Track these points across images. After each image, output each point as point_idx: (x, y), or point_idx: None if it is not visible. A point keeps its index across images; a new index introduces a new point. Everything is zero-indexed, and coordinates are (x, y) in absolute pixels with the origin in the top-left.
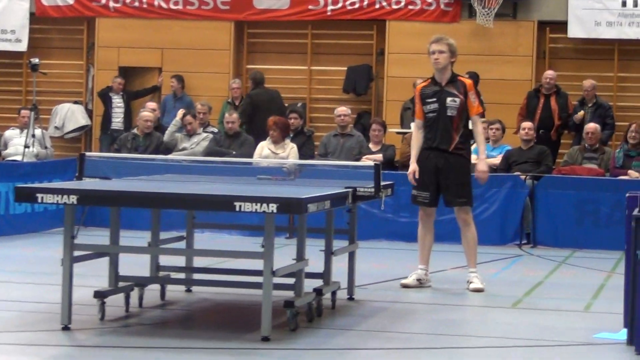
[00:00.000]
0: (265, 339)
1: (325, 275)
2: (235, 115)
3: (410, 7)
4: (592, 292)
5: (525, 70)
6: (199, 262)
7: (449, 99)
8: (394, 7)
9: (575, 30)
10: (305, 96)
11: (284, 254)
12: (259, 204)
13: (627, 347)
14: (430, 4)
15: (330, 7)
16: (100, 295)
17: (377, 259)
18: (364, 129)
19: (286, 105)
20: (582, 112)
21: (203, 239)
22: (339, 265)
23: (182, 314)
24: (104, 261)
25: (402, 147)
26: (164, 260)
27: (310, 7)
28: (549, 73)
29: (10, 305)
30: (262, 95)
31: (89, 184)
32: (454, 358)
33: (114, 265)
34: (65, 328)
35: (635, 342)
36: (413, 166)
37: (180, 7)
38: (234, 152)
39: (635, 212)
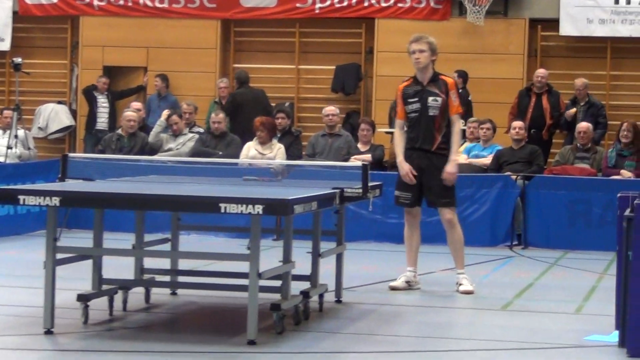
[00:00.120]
0: (251, 343)
1: (312, 277)
2: (221, 115)
3: (399, 4)
4: (583, 293)
5: (517, 68)
6: (184, 264)
7: (430, 99)
8: (383, 5)
9: (567, 28)
10: (293, 95)
11: (271, 256)
12: (244, 205)
13: (618, 349)
14: (420, 2)
15: (318, 5)
16: (83, 298)
17: (365, 260)
18: (353, 129)
19: (273, 104)
20: (574, 109)
21: (189, 241)
22: (327, 268)
23: (167, 317)
24: (88, 264)
25: (391, 147)
26: (149, 262)
27: (298, 5)
28: (541, 71)
29: None
30: (246, 94)
31: (72, 185)
32: None
33: (97, 268)
34: (48, 332)
35: (626, 344)
36: (406, 166)
37: (166, 5)
38: (220, 153)
39: (627, 212)
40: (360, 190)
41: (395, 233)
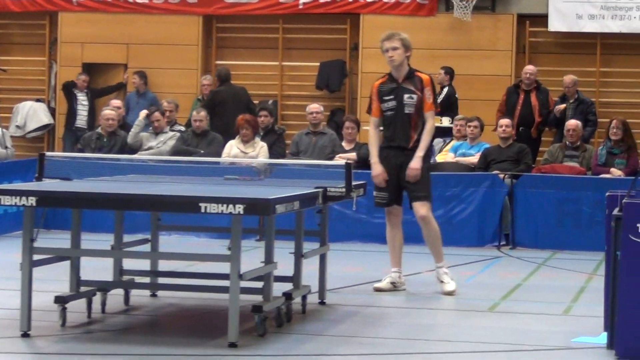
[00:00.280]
0: (233, 345)
1: (295, 278)
2: (203, 113)
3: (385, 0)
4: (572, 294)
5: (505, 65)
6: (164, 265)
7: (406, 96)
8: (369, 0)
9: (556, 24)
10: (277, 93)
11: (253, 256)
12: (225, 205)
13: (607, 351)
14: None
15: (302, 1)
16: (61, 300)
17: (349, 261)
18: (338, 127)
19: (256, 102)
20: (563, 105)
21: (169, 241)
22: (310, 268)
23: (147, 319)
24: (65, 265)
25: None
26: (128, 263)
27: (281, 0)
28: (529, 68)
29: None
30: (225, 92)
31: (49, 185)
32: None
33: (75, 269)
34: (25, 335)
35: (615, 346)
36: (379, 167)
37: (146, 0)
38: (201, 151)
39: (615, 211)
40: (344, 190)
41: (381, 233)
